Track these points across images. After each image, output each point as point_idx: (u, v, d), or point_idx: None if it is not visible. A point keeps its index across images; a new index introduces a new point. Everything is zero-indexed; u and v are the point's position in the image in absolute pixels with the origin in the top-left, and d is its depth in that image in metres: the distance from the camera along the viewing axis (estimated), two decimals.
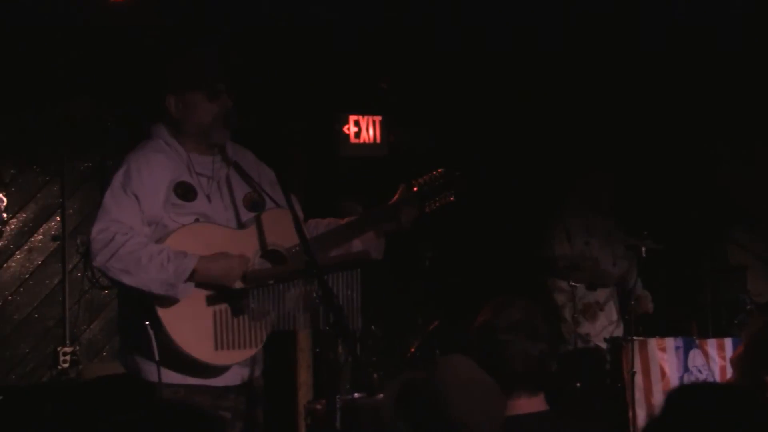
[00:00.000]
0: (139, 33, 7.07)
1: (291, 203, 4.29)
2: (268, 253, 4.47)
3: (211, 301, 4.31)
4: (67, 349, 7.04)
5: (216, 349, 4.29)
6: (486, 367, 3.22)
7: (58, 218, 7.25)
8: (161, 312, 4.22)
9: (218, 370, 4.38)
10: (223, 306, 4.32)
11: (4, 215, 7.00)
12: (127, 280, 4.19)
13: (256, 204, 4.56)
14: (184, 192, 4.41)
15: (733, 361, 3.12)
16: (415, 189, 4.79)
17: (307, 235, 4.29)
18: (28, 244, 7.16)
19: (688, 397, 2.51)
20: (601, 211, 7.63)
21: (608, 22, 7.61)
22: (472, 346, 3.48)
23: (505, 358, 3.40)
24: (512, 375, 3.40)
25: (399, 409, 3.16)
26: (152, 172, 4.37)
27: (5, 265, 7.09)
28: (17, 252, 7.13)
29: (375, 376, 6.18)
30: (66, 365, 6.98)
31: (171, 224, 4.34)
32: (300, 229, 4.19)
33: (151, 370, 4.22)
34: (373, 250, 4.71)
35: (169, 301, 4.22)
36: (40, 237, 7.21)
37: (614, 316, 7.52)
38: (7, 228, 7.06)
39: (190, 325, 4.26)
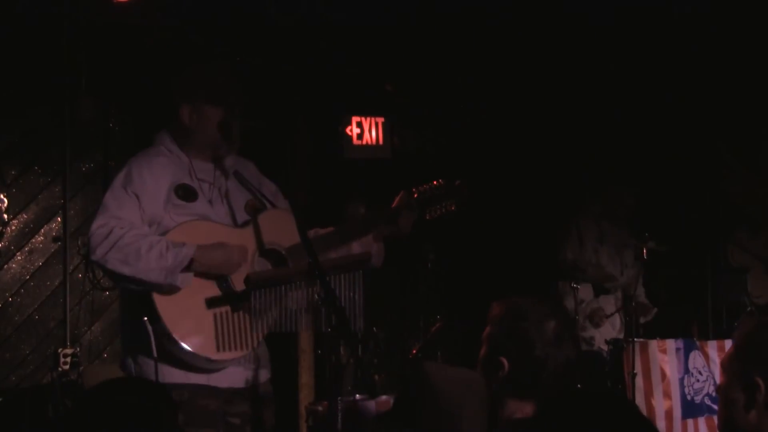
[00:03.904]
0: (142, 33, 7.07)
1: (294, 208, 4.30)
2: (266, 252, 4.45)
3: (211, 302, 4.29)
4: (68, 351, 7.01)
5: (214, 342, 4.26)
6: (516, 376, 3.20)
7: (59, 219, 7.24)
8: (160, 305, 4.20)
9: (218, 366, 4.34)
10: (225, 304, 4.30)
11: (5, 216, 6.98)
12: (126, 270, 4.18)
13: (257, 210, 4.52)
14: (186, 193, 4.41)
15: (723, 362, 3.07)
16: (416, 195, 4.77)
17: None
18: (29, 245, 7.16)
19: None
20: (617, 221, 7.63)
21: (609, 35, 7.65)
22: (497, 353, 3.37)
23: (545, 373, 3.30)
24: (544, 386, 3.32)
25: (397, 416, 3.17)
26: (153, 173, 4.38)
27: (6, 266, 7.09)
28: (18, 253, 7.12)
29: (377, 377, 6.19)
30: (67, 367, 6.95)
31: (171, 224, 4.33)
32: (302, 228, 4.17)
33: (150, 370, 4.19)
34: (372, 255, 4.69)
35: (168, 293, 4.21)
36: (41, 238, 7.21)
37: (618, 326, 7.52)
38: (8, 229, 7.05)
39: (188, 318, 4.24)
